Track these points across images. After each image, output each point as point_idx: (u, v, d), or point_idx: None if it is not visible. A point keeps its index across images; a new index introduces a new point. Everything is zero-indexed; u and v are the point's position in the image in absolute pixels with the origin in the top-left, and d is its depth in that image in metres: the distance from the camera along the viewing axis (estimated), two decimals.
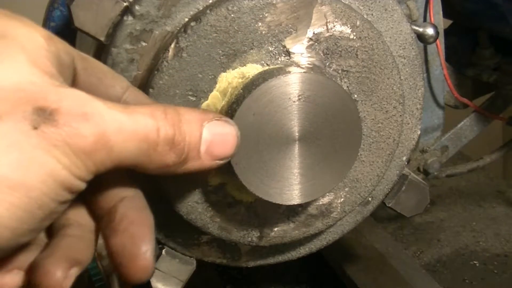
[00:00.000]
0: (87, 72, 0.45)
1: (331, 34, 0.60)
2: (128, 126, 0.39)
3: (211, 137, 0.44)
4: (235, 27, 0.57)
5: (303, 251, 0.75)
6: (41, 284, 0.40)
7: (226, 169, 0.60)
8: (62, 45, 0.42)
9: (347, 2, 0.61)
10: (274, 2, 0.57)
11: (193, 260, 0.70)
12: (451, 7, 0.95)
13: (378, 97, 0.64)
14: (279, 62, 0.59)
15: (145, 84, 0.58)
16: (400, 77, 0.64)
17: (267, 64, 0.59)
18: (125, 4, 0.56)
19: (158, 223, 0.66)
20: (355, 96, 0.63)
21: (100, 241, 0.84)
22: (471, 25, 1.05)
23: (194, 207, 0.62)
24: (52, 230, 0.45)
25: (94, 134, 0.37)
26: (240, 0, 0.56)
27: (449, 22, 1.07)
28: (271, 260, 0.75)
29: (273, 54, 0.59)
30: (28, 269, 0.42)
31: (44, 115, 0.36)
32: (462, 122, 1.04)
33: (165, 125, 0.41)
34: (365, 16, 0.63)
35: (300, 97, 0.55)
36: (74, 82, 0.44)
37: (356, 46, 0.61)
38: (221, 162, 0.47)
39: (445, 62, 0.92)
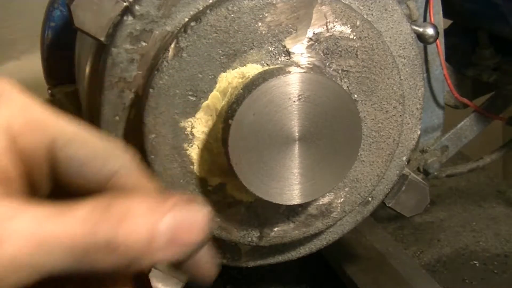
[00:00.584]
0: (74, 149, 0.41)
1: (331, 34, 0.60)
2: (53, 233, 0.35)
3: (173, 226, 0.37)
4: (235, 27, 0.57)
5: (303, 251, 0.75)
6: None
7: (226, 169, 0.60)
8: (38, 135, 0.38)
9: (347, 2, 0.61)
10: (274, 2, 0.57)
11: None
12: (451, 7, 0.95)
13: (378, 97, 0.64)
14: (279, 62, 0.59)
15: (145, 84, 0.58)
16: (400, 77, 0.64)
17: (267, 64, 0.59)
18: (125, 4, 0.56)
19: None
20: (355, 96, 0.63)
21: None
22: (471, 25, 1.05)
23: None
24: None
25: (6, 258, 0.33)
26: (240, 0, 0.56)
27: (449, 22, 1.07)
28: (271, 260, 0.75)
29: (273, 54, 0.59)
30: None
31: None
32: (462, 122, 1.04)
33: (102, 226, 0.35)
34: (365, 16, 0.63)
35: (300, 97, 0.55)
36: (55, 163, 0.40)
37: (356, 46, 0.61)
38: (192, 250, 0.38)
39: (445, 62, 0.92)
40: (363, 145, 0.65)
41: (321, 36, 0.59)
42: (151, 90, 0.57)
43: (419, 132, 0.71)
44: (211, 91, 0.58)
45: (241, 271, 1.10)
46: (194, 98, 0.58)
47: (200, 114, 0.59)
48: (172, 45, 0.56)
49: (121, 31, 0.57)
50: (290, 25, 0.58)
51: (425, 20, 0.87)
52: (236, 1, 0.56)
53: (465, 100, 0.99)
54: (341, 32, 0.60)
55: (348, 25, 0.60)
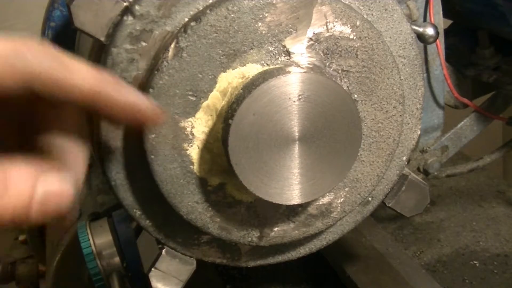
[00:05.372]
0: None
1: (331, 34, 0.60)
2: None
3: (43, 195, 0.42)
4: (235, 27, 0.57)
5: (303, 251, 0.75)
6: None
7: (226, 169, 0.60)
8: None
9: (347, 2, 0.61)
10: (274, 2, 0.57)
11: (193, 260, 0.70)
12: (451, 7, 0.95)
13: (378, 97, 0.64)
14: (279, 62, 0.59)
15: (145, 84, 0.58)
16: (400, 77, 0.64)
17: (267, 64, 0.59)
18: (125, 4, 0.56)
19: (158, 223, 0.66)
20: (355, 96, 0.63)
21: (99, 240, 0.84)
22: (471, 25, 1.05)
23: (194, 207, 0.62)
24: None
25: None
26: (240, 0, 0.56)
27: (449, 22, 1.07)
28: (271, 260, 0.75)
29: (273, 54, 0.59)
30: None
31: None
32: (462, 122, 1.04)
33: None
34: (365, 16, 0.63)
35: (300, 97, 0.55)
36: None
37: (356, 46, 0.61)
38: (61, 210, 0.43)
39: (445, 62, 0.92)
40: (363, 145, 0.65)
41: (321, 36, 0.59)
42: (151, 90, 0.57)
43: (419, 132, 0.71)
44: (211, 91, 0.58)
45: (241, 271, 1.10)
46: (194, 98, 0.58)
47: (200, 114, 0.59)
48: (172, 45, 0.56)
49: (121, 31, 0.57)
50: (290, 25, 0.58)
51: (425, 20, 0.87)
52: (236, 1, 0.56)
53: (465, 100, 0.99)
54: (341, 32, 0.60)
55: (348, 25, 0.60)
